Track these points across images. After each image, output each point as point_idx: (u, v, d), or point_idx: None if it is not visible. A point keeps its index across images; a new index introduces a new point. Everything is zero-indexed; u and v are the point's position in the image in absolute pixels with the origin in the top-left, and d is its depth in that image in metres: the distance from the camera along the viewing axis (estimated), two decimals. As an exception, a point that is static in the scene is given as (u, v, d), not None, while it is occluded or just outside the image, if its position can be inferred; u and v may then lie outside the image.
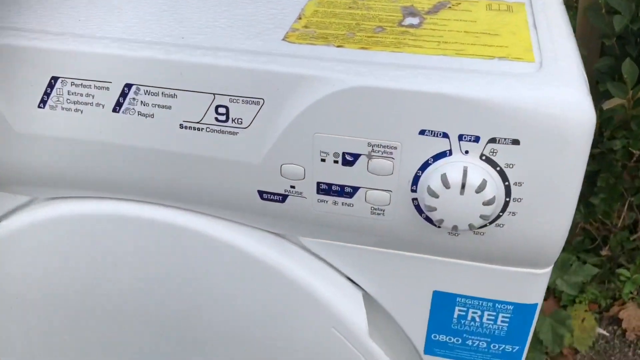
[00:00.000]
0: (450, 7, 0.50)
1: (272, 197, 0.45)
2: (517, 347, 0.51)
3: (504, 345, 0.51)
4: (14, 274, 0.54)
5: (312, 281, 0.49)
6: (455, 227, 0.41)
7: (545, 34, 0.45)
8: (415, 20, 0.48)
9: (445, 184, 0.39)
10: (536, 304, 0.48)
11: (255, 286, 0.49)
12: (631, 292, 1.36)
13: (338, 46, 0.44)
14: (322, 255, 0.50)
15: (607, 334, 1.41)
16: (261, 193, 0.46)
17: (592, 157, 1.23)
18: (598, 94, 1.19)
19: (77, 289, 0.53)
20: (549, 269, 0.46)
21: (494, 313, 0.49)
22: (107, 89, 0.45)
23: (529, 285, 0.47)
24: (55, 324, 0.56)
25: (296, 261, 0.49)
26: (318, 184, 0.44)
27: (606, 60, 1.17)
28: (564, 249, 1.03)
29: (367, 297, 0.51)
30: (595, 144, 1.22)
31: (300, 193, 0.45)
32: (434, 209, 0.40)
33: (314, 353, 0.51)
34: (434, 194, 0.40)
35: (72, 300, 0.54)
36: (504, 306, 0.48)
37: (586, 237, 1.39)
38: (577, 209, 1.30)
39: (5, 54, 0.45)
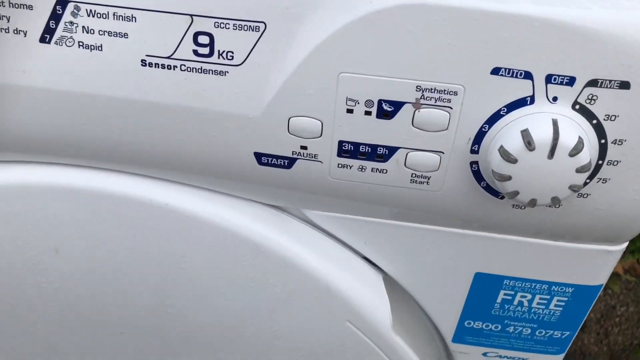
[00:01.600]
0: None
1: (274, 161, 0.33)
2: (568, 333, 0.42)
3: (552, 332, 0.42)
4: None
5: (321, 264, 0.38)
6: (532, 201, 0.31)
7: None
8: None
9: (529, 143, 0.28)
10: (601, 285, 0.39)
11: (249, 275, 0.38)
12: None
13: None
14: (333, 231, 0.39)
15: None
16: (259, 156, 0.33)
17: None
18: None
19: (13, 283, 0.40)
20: (625, 245, 0.37)
21: (548, 296, 0.40)
22: (30, 7, 0.31)
23: (599, 265, 0.37)
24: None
25: (299, 240, 0.38)
26: (340, 143, 0.32)
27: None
28: None
29: (386, 279, 0.41)
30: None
31: (315, 156, 0.33)
32: (508, 178, 0.30)
33: (323, 352, 0.41)
34: (510, 158, 0.29)
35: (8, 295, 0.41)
36: (562, 288, 0.39)
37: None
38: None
39: None
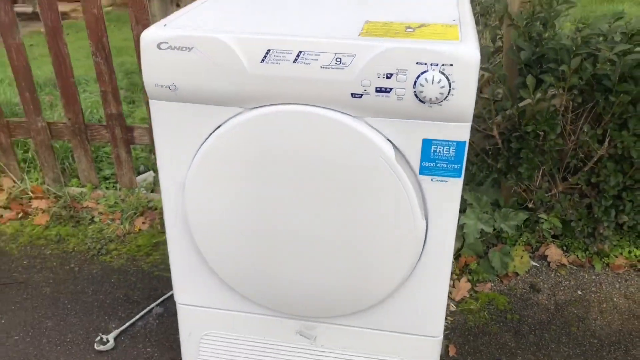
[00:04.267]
0: (424, 26, 1.18)
1: (356, 95, 1.10)
2: (459, 165, 1.15)
3: (453, 165, 1.15)
4: (234, 145, 1.18)
5: (372, 135, 1.13)
6: (430, 100, 1.06)
7: (464, 34, 1.12)
8: (411, 30, 1.15)
9: (428, 82, 1.05)
10: (465, 141, 1.12)
11: (345, 142, 1.13)
12: (550, 229, 1.99)
13: (387, 38, 1.10)
14: (374, 125, 1.14)
15: (538, 265, 2.03)
16: (352, 94, 1.10)
17: (516, 138, 1.90)
18: (518, 99, 1.88)
19: (269, 156, 1.17)
20: (469, 124, 1.11)
21: (448, 147, 1.13)
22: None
23: (461, 132, 1.11)
24: (256, 178, 1.19)
25: (365, 126, 1.13)
26: (376, 87, 1.09)
27: (520, 78, 1.86)
28: (505, 205, 1.79)
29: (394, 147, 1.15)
30: (516, 129, 1.90)
31: (369, 92, 1.10)
32: (422, 92, 1.06)
33: (366, 177, 1.15)
34: (423, 86, 1.05)
35: (264, 160, 1.17)
36: (452, 143, 1.13)
37: (518, 198, 2.04)
38: (510, 176, 1.96)
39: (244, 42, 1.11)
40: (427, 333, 1.38)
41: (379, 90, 1.10)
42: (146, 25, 2.10)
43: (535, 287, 1.93)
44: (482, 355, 1.67)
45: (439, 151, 1.14)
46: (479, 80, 1.99)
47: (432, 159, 1.15)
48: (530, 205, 2.00)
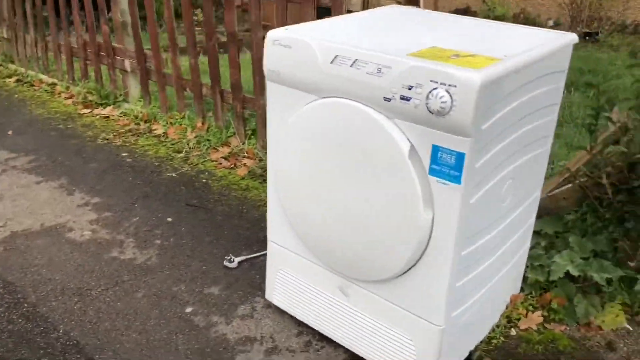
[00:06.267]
0: (470, 56, 1.38)
1: (386, 99, 1.37)
2: (458, 173, 1.33)
3: (454, 171, 1.33)
4: (307, 124, 1.55)
5: (395, 133, 1.39)
6: (435, 112, 1.28)
7: (495, 66, 1.30)
8: (455, 57, 1.37)
9: (435, 96, 1.27)
10: (464, 153, 1.30)
11: (376, 134, 1.41)
12: (644, 295, 1.86)
13: (422, 59, 1.35)
14: (400, 126, 1.39)
15: (631, 329, 1.91)
16: (384, 97, 1.38)
17: (626, 191, 1.83)
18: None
19: (326, 136, 1.51)
20: (469, 139, 1.29)
21: (451, 155, 1.32)
22: (350, 59, 1.43)
23: (461, 144, 1.30)
24: (315, 149, 1.55)
25: (392, 125, 1.39)
26: (400, 95, 1.35)
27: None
28: (613, 258, 1.82)
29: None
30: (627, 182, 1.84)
31: (395, 98, 1.36)
32: (429, 104, 1.28)
33: (386, 165, 1.40)
34: (430, 100, 1.28)
35: (322, 138, 1.52)
36: (453, 152, 1.31)
37: (623, 254, 1.95)
38: (615, 229, 1.91)
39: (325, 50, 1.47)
40: (432, 320, 1.55)
41: (402, 97, 1.35)
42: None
43: (611, 346, 1.84)
44: (513, 378, 1.72)
45: (444, 157, 1.35)
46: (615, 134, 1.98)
47: (438, 163, 1.36)
48: (632, 264, 1.90)
